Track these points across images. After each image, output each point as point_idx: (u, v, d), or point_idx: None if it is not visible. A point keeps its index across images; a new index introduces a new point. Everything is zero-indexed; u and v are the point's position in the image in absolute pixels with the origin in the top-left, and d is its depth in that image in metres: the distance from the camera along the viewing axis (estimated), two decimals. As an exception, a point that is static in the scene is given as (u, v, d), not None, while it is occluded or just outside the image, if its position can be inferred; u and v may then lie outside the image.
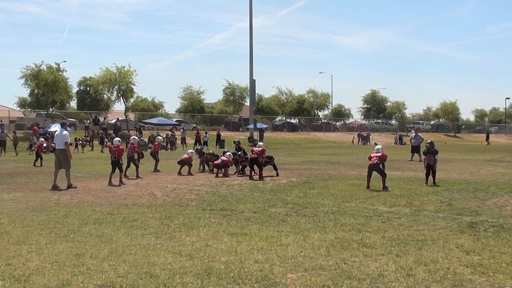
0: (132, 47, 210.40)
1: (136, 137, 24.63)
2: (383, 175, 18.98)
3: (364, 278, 7.64)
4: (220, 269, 8.14)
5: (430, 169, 19.83)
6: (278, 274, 7.89)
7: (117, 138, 22.72)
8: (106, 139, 51.80)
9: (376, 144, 21.50)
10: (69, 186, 19.22)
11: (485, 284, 7.40)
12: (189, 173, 24.34)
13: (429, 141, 20.95)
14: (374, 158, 19.05)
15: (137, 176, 22.72)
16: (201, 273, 7.94)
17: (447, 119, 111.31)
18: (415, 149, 35.63)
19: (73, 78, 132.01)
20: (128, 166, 23.31)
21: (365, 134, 78.88)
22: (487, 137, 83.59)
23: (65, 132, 19.80)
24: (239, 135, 68.99)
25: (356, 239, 10.27)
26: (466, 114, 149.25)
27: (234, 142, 28.31)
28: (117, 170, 20.90)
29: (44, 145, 33.36)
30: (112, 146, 21.83)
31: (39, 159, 32.03)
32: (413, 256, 8.92)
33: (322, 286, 7.34)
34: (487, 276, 7.74)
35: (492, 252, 9.18)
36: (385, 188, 18.38)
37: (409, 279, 7.63)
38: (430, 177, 19.76)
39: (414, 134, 36.80)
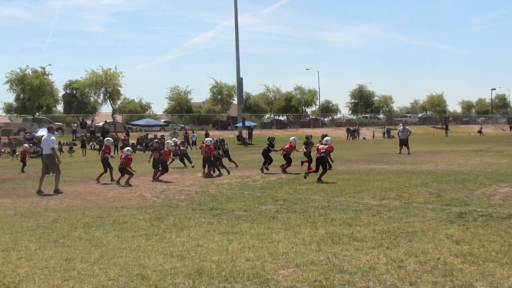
0: (117, 49, 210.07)
1: (171, 141, 24.26)
2: (324, 169, 19.76)
3: (356, 272, 7.65)
4: (212, 268, 8.12)
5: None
6: (270, 271, 7.90)
7: (128, 148, 22.87)
8: (94, 142, 51.63)
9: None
10: (56, 191, 19.08)
11: (475, 272, 7.43)
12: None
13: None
14: (322, 150, 19.53)
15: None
16: (192, 273, 7.92)
17: (434, 112, 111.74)
18: (403, 142, 35.73)
19: (59, 82, 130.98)
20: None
21: (352, 129, 78.95)
22: (480, 129, 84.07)
23: (52, 137, 19.63)
24: (228, 133, 69.06)
25: (347, 233, 10.29)
26: (453, 106, 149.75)
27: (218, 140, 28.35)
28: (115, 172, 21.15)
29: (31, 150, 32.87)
30: (122, 153, 22.19)
31: (23, 165, 31.88)
32: (404, 248, 8.95)
33: (314, 281, 7.35)
34: (477, 265, 7.78)
35: (481, 241, 9.22)
36: (319, 180, 19.22)
37: (400, 271, 7.65)
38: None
39: (401, 127, 36.95)
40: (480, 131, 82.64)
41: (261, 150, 26.38)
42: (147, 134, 57.67)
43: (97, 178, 22.28)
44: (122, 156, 21.49)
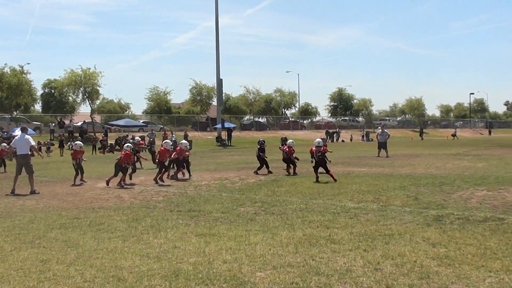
0: (97, 48, 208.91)
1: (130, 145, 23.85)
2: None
3: (332, 274, 7.67)
4: (188, 270, 8.10)
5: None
6: (247, 273, 7.89)
7: (128, 144, 22.72)
8: (71, 142, 51.30)
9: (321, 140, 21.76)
10: (33, 192, 18.90)
11: (451, 275, 7.47)
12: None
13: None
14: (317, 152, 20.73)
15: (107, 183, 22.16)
16: (169, 275, 7.90)
17: (413, 115, 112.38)
18: (381, 145, 35.87)
19: (37, 81, 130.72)
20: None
21: (332, 131, 79.15)
22: (455, 133, 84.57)
23: (27, 136, 19.64)
24: (207, 135, 69.00)
25: (324, 236, 10.31)
26: (432, 110, 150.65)
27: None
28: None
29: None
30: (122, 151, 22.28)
31: (2, 165, 31.56)
32: (381, 250, 8.98)
33: (291, 283, 7.35)
34: (453, 268, 7.82)
35: (458, 244, 9.27)
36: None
37: (376, 273, 7.68)
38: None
39: (380, 130, 37.10)
40: (454, 135, 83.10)
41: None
42: (127, 135, 57.40)
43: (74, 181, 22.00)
44: (123, 153, 21.42)
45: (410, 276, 7.50)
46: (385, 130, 37.15)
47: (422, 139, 79.50)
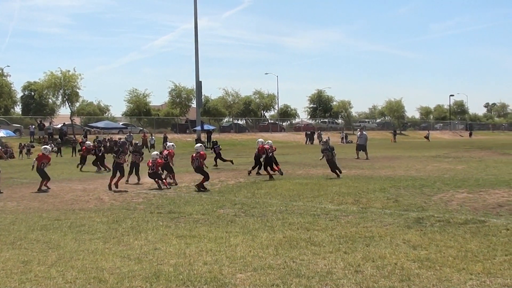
0: (76, 51, 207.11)
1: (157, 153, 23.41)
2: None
3: (313, 276, 7.66)
4: (169, 272, 8.08)
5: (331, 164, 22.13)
6: (227, 274, 7.88)
7: (156, 152, 22.43)
8: (52, 144, 51.04)
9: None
10: None
11: (432, 277, 7.48)
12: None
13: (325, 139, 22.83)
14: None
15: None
16: (150, 276, 7.88)
17: (393, 117, 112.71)
18: (360, 147, 35.97)
19: (17, 83, 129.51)
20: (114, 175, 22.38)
21: (311, 133, 79.17)
22: (428, 135, 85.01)
23: None
24: (186, 137, 68.91)
25: (304, 238, 10.31)
26: (411, 112, 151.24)
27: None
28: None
29: None
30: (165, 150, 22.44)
31: None
32: (361, 252, 8.98)
33: (271, 285, 7.34)
34: (434, 270, 7.84)
35: (438, 247, 9.29)
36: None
37: (357, 275, 7.68)
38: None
39: (359, 133, 37.22)
40: (427, 137, 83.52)
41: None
42: (111, 137, 57.22)
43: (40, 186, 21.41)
44: (151, 161, 20.90)
45: (391, 278, 7.50)
46: (364, 133, 37.29)
47: (395, 141, 79.68)
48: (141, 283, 7.57)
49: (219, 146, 32.54)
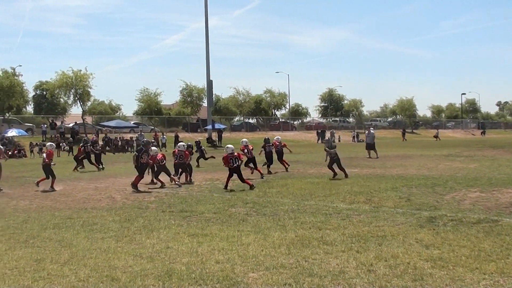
0: (87, 50, 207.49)
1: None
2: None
3: (326, 275, 7.64)
4: (181, 270, 8.08)
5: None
6: (240, 273, 7.86)
7: (183, 143, 22.65)
8: (64, 143, 51.25)
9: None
10: None
11: (445, 277, 7.44)
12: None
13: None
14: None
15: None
16: (162, 275, 7.88)
17: (404, 116, 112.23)
18: (369, 146, 35.89)
19: (29, 83, 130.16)
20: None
21: (321, 131, 79.01)
22: (437, 134, 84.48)
23: None
24: (198, 136, 68.86)
25: (317, 237, 10.28)
26: (423, 110, 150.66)
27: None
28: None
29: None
30: (176, 150, 22.47)
31: None
32: (374, 252, 8.95)
33: (284, 284, 7.32)
34: (447, 270, 7.79)
35: (451, 246, 9.24)
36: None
37: (370, 274, 7.64)
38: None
39: (367, 132, 37.22)
40: (436, 136, 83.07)
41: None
42: (122, 136, 57.53)
43: (38, 182, 21.36)
44: (177, 151, 21.34)
45: (403, 278, 7.46)
46: (372, 131, 37.25)
47: (405, 140, 79.39)
48: (153, 282, 7.58)
49: (202, 146, 32.88)
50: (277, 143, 26.31)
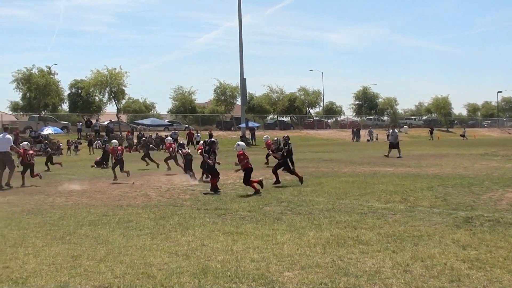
0: (121, 49, 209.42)
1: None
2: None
3: (361, 275, 7.61)
4: (217, 268, 8.11)
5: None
6: (275, 272, 7.86)
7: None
8: (99, 141, 51.74)
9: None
10: (7, 184, 21.21)
11: (482, 279, 7.36)
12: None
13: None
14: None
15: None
16: (197, 272, 7.91)
17: (439, 114, 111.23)
18: (391, 145, 35.78)
19: (64, 81, 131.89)
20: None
21: (356, 129, 78.74)
22: (464, 133, 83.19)
23: (7, 136, 21.56)
24: (231, 134, 69.15)
25: (352, 236, 10.24)
26: (459, 109, 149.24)
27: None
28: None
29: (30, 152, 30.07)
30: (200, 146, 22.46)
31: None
32: (410, 252, 8.89)
33: (320, 283, 7.31)
34: (484, 271, 7.71)
35: (488, 247, 9.14)
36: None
37: (406, 275, 7.59)
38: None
39: (391, 131, 37.28)
40: (463, 135, 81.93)
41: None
42: (157, 134, 58.12)
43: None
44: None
45: (440, 278, 7.40)
46: (395, 130, 37.49)
47: (432, 139, 78.71)
48: (189, 279, 7.61)
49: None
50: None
